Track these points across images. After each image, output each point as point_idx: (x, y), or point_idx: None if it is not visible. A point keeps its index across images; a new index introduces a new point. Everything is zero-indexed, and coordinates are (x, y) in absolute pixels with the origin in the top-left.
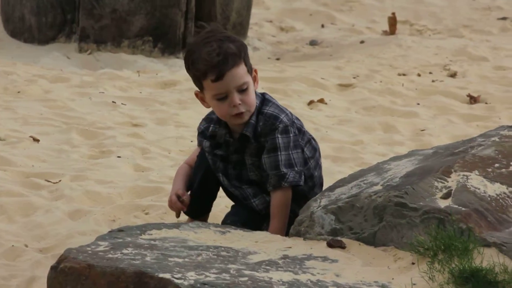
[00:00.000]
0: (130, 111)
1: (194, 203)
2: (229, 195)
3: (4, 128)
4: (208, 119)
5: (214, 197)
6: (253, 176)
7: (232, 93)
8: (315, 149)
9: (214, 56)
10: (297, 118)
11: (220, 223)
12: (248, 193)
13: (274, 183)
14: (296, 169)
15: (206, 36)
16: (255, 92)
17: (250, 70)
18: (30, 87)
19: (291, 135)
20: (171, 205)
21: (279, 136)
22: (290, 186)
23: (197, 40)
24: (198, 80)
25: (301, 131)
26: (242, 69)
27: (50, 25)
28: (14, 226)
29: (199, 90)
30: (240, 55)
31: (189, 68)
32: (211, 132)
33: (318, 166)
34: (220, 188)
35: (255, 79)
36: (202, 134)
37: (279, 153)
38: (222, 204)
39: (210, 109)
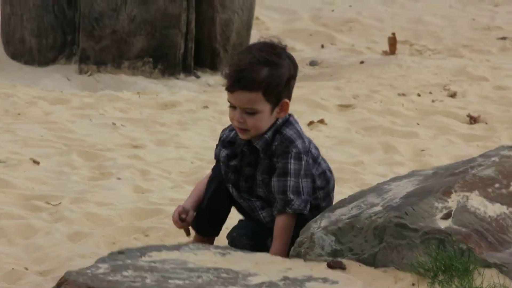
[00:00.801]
0: (130, 132)
1: (203, 219)
2: (237, 207)
3: (4, 150)
4: (232, 127)
5: (224, 215)
6: (261, 192)
7: (238, 109)
8: (329, 181)
9: (236, 68)
10: (315, 148)
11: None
12: (256, 205)
13: (279, 207)
14: (302, 197)
15: (259, 47)
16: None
17: (275, 100)
18: (30, 109)
19: (303, 162)
20: (174, 222)
21: (291, 161)
22: (294, 213)
23: (254, 44)
24: (225, 80)
25: (316, 161)
26: (255, 96)
27: (50, 47)
28: (14, 249)
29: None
30: (261, 84)
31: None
32: (231, 138)
33: (328, 198)
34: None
35: (281, 109)
36: (223, 142)
37: (288, 179)
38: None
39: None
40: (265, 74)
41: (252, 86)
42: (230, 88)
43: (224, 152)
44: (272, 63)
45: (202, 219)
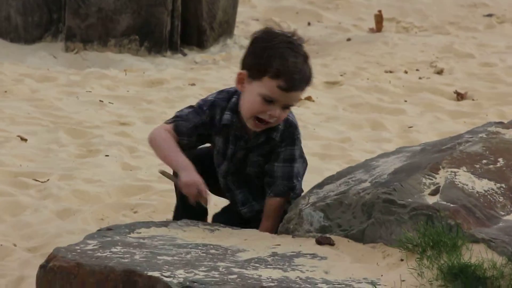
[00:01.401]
0: (118, 110)
1: (187, 212)
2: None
3: None
4: (222, 101)
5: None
6: (251, 171)
7: (279, 105)
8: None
9: (296, 71)
10: None
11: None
12: (238, 200)
13: (282, 191)
14: (300, 179)
15: (291, 41)
16: None
17: None
18: (17, 87)
19: (301, 145)
20: (194, 194)
21: (296, 147)
22: (296, 196)
23: (281, 37)
24: (260, 69)
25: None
26: (302, 92)
27: (36, 25)
28: (2, 226)
29: (247, 73)
30: (310, 81)
31: (259, 54)
32: (228, 121)
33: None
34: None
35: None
36: (213, 107)
37: (294, 165)
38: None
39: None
40: (310, 70)
41: (307, 85)
42: (291, 88)
43: (220, 140)
44: (308, 57)
45: (186, 212)
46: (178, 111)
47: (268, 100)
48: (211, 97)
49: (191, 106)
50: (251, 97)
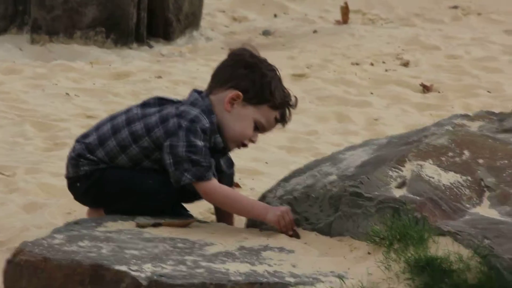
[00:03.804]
0: (84, 102)
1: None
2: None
3: None
4: (210, 123)
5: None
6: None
7: (262, 132)
8: None
9: (293, 107)
10: None
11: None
12: None
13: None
14: None
15: (278, 72)
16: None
17: None
18: None
19: None
20: (287, 225)
21: None
22: None
23: (269, 65)
24: (261, 97)
25: None
26: None
27: (1, 17)
28: None
29: (243, 94)
30: None
31: (259, 81)
32: (221, 144)
33: None
34: None
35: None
36: (206, 132)
37: None
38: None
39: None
40: None
41: None
42: (285, 122)
43: (213, 162)
44: None
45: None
46: (199, 155)
47: (257, 127)
48: (199, 120)
49: (195, 137)
50: (245, 122)
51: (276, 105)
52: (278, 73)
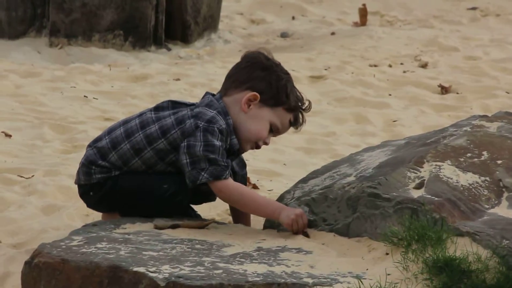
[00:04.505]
0: (102, 105)
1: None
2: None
3: None
4: (227, 125)
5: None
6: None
7: (275, 135)
8: None
9: (308, 109)
10: None
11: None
12: None
13: None
14: None
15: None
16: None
17: None
18: (1, 83)
19: None
20: (298, 225)
21: None
22: None
23: (282, 68)
24: (278, 99)
25: None
26: None
27: (20, 20)
28: None
29: (259, 95)
30: None
31: (275, 83)
32: (237, 146)
33: None
34: None
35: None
36: (223, 132)
37: None
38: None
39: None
40: None
41: None
42: (298, 125)
43: (230, 162)
44: None
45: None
46: (216, 154)
47: (272, 129)
48: (216, 120)
49: (212, 137)
50: (262, 123)
51: (291, 108)
52: (291, 77)
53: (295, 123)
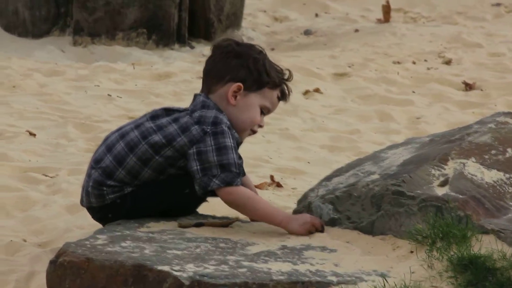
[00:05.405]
0: (126, 103)
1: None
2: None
3: (0, 123)
4: (226, 120)
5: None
6: None
7: (268, 114)
8: None
9: (290, 78)
10: None
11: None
12: None
13: None
14: None
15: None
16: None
17: None
18: (25, 81)
19: None
20: (313, 227)
21: None
22: None
23: (255, 47)
24: (261, 79)
25: None
26: None
27: (44, 19)
28: (12, 221)
29: (243, 84)
30: None
31: (254, 66)
32: (238, 139)
33: None
34: None
35: None
36: (230, 128)
37: None
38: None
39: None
40: None
41: None
42: (287, 98)
43: (242, 163)
44: None
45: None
46: (230, 156)
47: (262, 112)
48: (221, 119)
49: (223, 137)
50: (252, 110)
51: (276, 84)
52: (266, 53)
53: (283, 96)
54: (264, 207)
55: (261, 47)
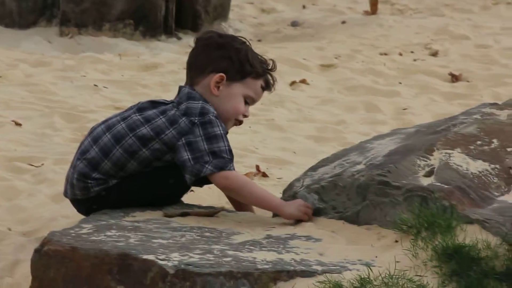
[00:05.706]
0: (112, 94)
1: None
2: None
3: None
4: (213, 109)
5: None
6: None
7: (251, 105)
8: None
9: (274, 68)
10: None
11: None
12: None
13: None
14: None
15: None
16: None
17: None
18: (12, 72)
19: None
20: (305, 215)
21: None
22: None
23: (238, 38)
24: (243, 70)
25: None
26: None
27: (30, 10)
28: None
29: (225, 75)
30: None
31: (236, 56)
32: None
33: None
34: None
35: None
36: (218, 117)
37: None
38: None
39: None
40: None
41: None
42: (271, 88)
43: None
44: None
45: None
46: (220, 143)
47: (246, 101)
48: (207, 109)
49: (212, 127)
50: (236, 99)
51: (259, 74)
52: (249, 44)
53: (267, 86)
54: (261, 191)
55: (244, 38)
